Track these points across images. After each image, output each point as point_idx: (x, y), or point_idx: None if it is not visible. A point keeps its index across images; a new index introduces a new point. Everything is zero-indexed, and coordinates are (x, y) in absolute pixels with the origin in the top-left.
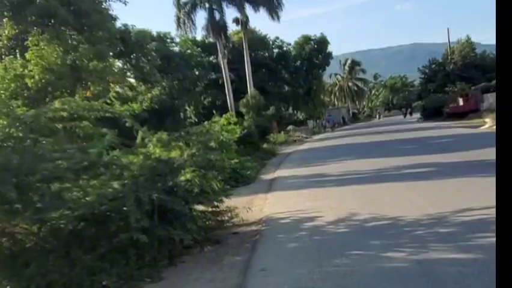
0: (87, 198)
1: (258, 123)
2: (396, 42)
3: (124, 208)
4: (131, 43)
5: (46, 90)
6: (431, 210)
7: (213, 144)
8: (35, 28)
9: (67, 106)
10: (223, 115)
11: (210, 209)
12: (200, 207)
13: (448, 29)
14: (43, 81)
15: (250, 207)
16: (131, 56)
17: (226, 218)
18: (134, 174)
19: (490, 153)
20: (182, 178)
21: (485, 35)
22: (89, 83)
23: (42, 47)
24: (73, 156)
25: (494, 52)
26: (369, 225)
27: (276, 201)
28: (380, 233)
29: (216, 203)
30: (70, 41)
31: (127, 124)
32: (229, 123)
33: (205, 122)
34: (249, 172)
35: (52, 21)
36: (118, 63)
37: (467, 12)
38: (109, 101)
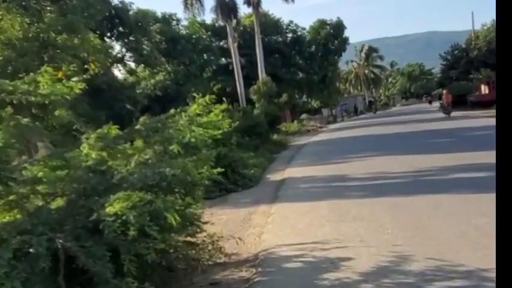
0: None
1: (268, 111)
2: (412, 30)
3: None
4: (130, 23)
5: (6, 69)
6: None
7: (174, 147)
8: None
9: None
10: (199, 99)
11: (182, 239)
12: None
13: (472, 13)
14: (1, 58)
15: (245, 232)
16: (130, 38)
17: (206, 253)
18: (55, 193)
19: None
20: (110, 210)
21: None
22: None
23: (1, 17)
24: None
25: None
26: None
27: (283, 220)
28: None
29: (190, 230)
30: (41, 12)
31: (55, 113)
32: (210, 112)
33: (172, 111)
34: (252, 171)
35: None
36: (116, 45)
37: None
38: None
